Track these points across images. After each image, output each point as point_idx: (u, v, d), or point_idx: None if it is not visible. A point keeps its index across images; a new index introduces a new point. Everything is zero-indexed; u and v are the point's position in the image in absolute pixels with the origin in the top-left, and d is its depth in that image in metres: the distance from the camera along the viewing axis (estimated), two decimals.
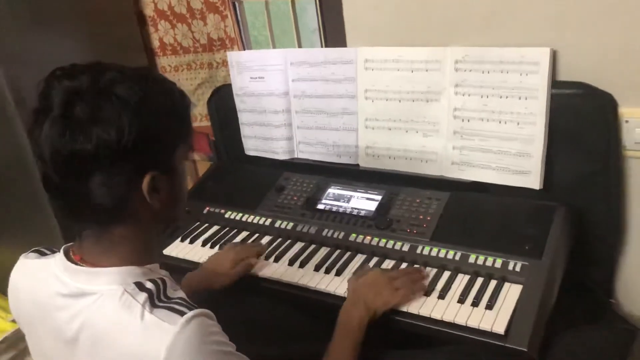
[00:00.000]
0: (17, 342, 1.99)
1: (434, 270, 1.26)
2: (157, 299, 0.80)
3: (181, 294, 0.84)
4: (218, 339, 0.80)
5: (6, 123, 1.67)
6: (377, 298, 1.15)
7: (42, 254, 0.95)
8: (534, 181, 1.33)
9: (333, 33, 1.62)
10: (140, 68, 0.85)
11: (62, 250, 0.90)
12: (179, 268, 1.44)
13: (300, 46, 1.83)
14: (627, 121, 1.25)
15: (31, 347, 0.97)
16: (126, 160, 0.78)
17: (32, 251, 0.96)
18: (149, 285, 0.82)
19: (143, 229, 0.86)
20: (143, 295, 0.80)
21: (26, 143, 1.67)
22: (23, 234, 1.97)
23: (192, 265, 1.41)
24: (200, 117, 2.04)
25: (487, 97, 1.35)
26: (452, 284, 1.21)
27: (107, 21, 1.90)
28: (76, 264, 0.86)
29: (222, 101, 1.79)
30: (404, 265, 1.30)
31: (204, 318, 0.79)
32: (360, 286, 1.19)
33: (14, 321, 1.98)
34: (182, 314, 0.77)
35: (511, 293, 1.16)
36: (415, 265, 1.28)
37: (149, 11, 1.96)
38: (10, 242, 2.05)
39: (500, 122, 1.35)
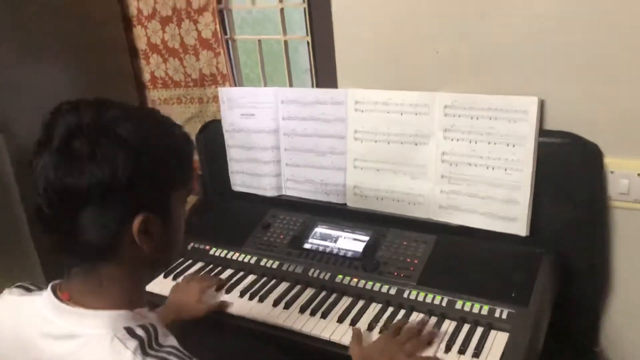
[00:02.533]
0: None
1: (421, 315, 1.25)
2: (148, 347, 0.78)
3: (172, 341, 0.82)
4: None
5: None
6: None
7: (28, 290, 0.92)
8: (520, 227, 1.34)
9: (324, 73, 1.64)
10: (146, 108, 0.86)
11: (49, 288, 0.87)
12: (161, 305, 1.41)
13: (291, 85, 1.85)
14: (612, 172, 1.27)
15: None
16: (118, 199, 0.77)
17: (17, 286, 0.93)
18: (139, 331, 0.80)
19: (132, 271, 0.84)
20: (134, 342, 0.78)
21: (10, 172, 1.65)
22: (2, 267, 1.93)
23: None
24: None
25: (476, 142, 1.37)
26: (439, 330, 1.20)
27: (99, 53, 1.91)
28: (64, 303, 0.84)
29: (211, 136, 1.79)
30: (390, 309, 1.29)
31: None
32: (370, 353, 1.13)
33: None
34: None
35: (497, 341, 1.15)
36: (420, 315, 1.26)
37: (141, 45, 1.97)
38: None
39: (488, 168, 1.36)
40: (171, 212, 0.85)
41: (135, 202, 0.78)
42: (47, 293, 0.86)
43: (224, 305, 1.37)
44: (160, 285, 1.49)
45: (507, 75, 1.33)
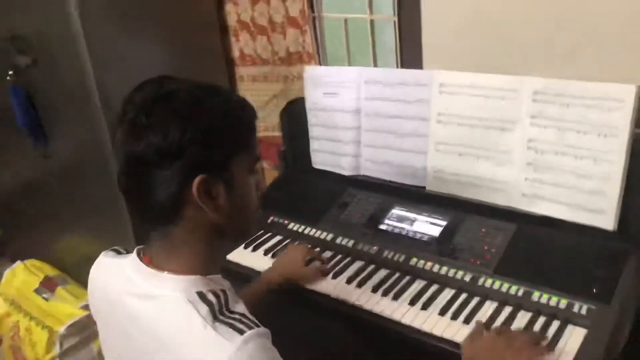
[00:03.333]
0: (83, 328, 2.09)
1: (495, 305, 1.23)
2: (218, 312, 0.82)
3: (242, 308, 0.86)
4: None
5: (92, 122, 1.77)
6: None
7: (119, 253, 1.01)
8: (608, 221, 1.28)
9: (410, 54, 1.63)
10: (207, 83, 0.91)
11: (135, 251, 0.95)
12: (241, 275, 1.48)
13: (375, 65, 1.84)
14: None
15: (101, 339, 1.03)
16: (174, 161, 0.83)
17: (111, 250, 1.03)
18: (210, 296, 0.85)
19: (202, 236, 0.89)
20: (204, 307, 0.82)
21: (108, 142, 1.76)
22: (99, 229, 2.08)
23: (253, 273, 1.44)
24: (272, 127, 2.09)
25: (565, 130, 1.31)
26: (512, 321, 1.18)
27: (190, 30, 1.98)
28: (146, 265, 0.91)
29: (294, 114, 1.82)
30: (463, 296, 1.28)
31: (262, 340, 0.80)
32: (478, 352, 1.09)
33: (83, 308, 2.09)
34: (241, 332, 0.79)
35: (574, 337, 1.11)
36: (494, 304, 1.22)
37: (231, 21, 2.02)
38: (87, 235, 2.17)
39: (576, 158, 1.30)
40: (234, 177, 0.89)
41: (191, 164, 0.83)
42: (133, 256, 0.94)
43: (323, 268, 1.42)
44: (240, 255, 1.55)
45: (604, 62, 1.26)
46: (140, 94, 0.86)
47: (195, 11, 1.99)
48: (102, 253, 1.02)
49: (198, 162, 0.84)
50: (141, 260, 0.92)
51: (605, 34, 1.23)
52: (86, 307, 2.07)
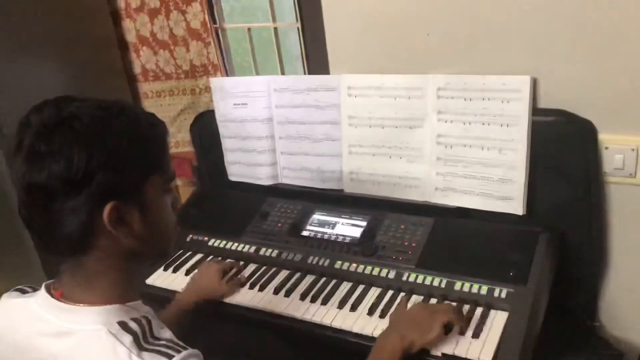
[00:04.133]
0: None
1: (421, 298, 1.26)
2: (143, 341, 0.78)
3: (167, 333, 0.82)
4: None
5: None
6: (414, 329, 1.10)
7: (24, 292, 0.93)
8: (517, 207, 1.35)
9: (316, 60, 1.63)
10: (111, 100, 0.84)
11: (43, 287, 0.88)
12: (162, 298, 1.42)
13: (283, 72, 1.84)
14: (606, 148, 1.27)
15: None
16: (81, 189, 0.77)
17: (14, 290, 0.94)
18: (133, 325, 0.80)
19: (117, 263, 0.84)
20: (128, 338, 0.78)
21: (5, 172, 1.64)
22: (4, 268, 1.93)
23: (175, 296, 1.39)
24: (182, 143, 2.03)
25: (470, 123, 1.37)
26: None
27: (88, 48, 1.89)
28: (58, 300, 0.84)
29: (205, 127, 1.78)
30: (389, 293, 1.30)
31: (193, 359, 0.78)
32: (399, 316, 1.17)
33: None
34: (170, 357, 0.76)
35: (497, 321, 1.16)
36: (420, 298, 1.27)
37: (131, 37, 1.96)
38: None
39: (482, 149, 1.36)
40: (148, 199, 0.84)
41: (100, 191, 0.78)
42: (42, 292, 0.87)
43: (242, 280, 1.41)
44: (161, 278, 1.49)
45: (499, 55, 1.32)
46: (37, 118, 0.78)
47: (92, 28, 1.90)
48: (4, 295, 0.94)
49: (107, 189, 0.78)
50: (52, 296, 0.85)
51: (501, 27, 1.29)
52: None
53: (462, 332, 1.13)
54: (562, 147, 1.29)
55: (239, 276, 1.43)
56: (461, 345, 1.11)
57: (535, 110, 1.30)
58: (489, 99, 1.33)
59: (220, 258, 1.53)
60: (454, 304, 1.21)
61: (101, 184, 0.77)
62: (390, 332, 1.13)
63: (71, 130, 0.77)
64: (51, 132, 0.77)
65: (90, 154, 0.76)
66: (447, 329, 1.12)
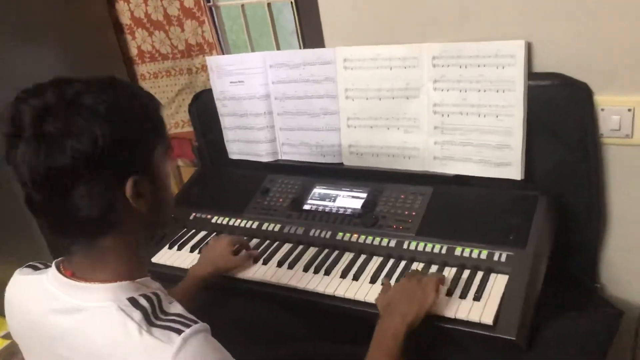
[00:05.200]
0: (8, 357, 1.98)
1: (422, 265, 1.28)
2: (152, 316, 0.80)
3: (176, 308, 0.84)
4: (217, 355, 0.79)
5: None
6: (412, 304, 1.09)
7: (36, 269, 0.94)
8: (515, 172, 1.35)
9: (311, 34, 1.63)
10: (103, 77, 0.84)
11: (53, 265, 0.89)
12: (168, 276, 1.44)
13: (278, 48, 1.84)
14: (602, 109, 1.27)
15: None
16: (105, 168, 0.78)
17: (26, 266, 0.96)
18: (142, 301, 0.81)
19: (130, 239, 0.86)
20: (138, 313, 0.79)
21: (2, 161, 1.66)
22: (10, 249, 1.96)
23: (182, 272, 1.41)
24: (182, 123, 2.04)
25: (466, 91, 1.37)
26: None
27: (83, 31, 1.90)
28: (68, 278, 0.86)
29: (203, 106, 1.79)
30: (391, 261, 1.31)
31: (202, 334, 0.79)
32: (391, 298, 1.14)
33: (5, 337, 1.98)
34: (179, 332, 0.77)
35: (498, 283, 1.18)
36: (421, 265, 1.28)
37: (125, 19, 1.95)
38: None
39: (479, 116, 1.37)
40: (156, 170, 0.86)
41: (121, 167, 0.79)
42: (52, 270, 0.88)
43: (252, 255, 1.41)
44: (166, 256, 1.51)
45: (493, 21, 1.32)
46: (38, 102, 0.77)
47: (86, 11, 1.90)
48: (17, 271, 0.95)
49: (127, 164, 0.80)
50: (62, 274, 0.87)
51: None
52: (8, 336, 1.96)
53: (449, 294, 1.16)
54: (559, 111, 1.29)
55: (251, 251, 1.44)
56: (462, 308, 1.13)
57: (530, 75, 1.30)
58: (484, 66, 1.33)
59: (223, 234, 1.55)
60: (454, 269, 1.23)
61: (122, 160, 0.79)
62: (388, 315, 1.10)
63: (86, 109, 0.77)
64: (63, 112, 0.76)
65: (112, 130, 0.77)
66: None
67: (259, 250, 1.44)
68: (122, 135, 0.78)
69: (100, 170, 0.77)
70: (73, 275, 0.86)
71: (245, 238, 1.49)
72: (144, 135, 0.83)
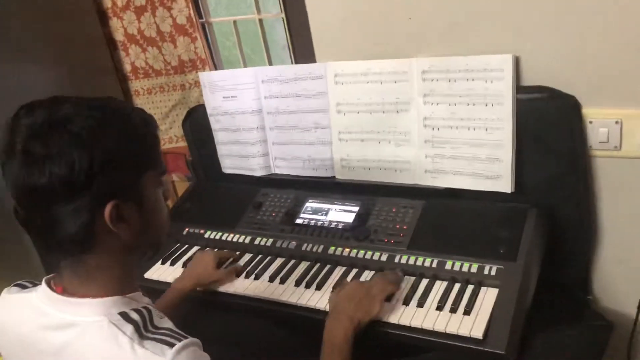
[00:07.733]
0: None
1: (412, 279, 1.28)
2: (144, 330, 0.80)
3: (167, 323, 0.84)
4: None
5: None
6: (358, 309, 1.15)
7: (24, 288, 0.94)
8: (505, 185, 1.36)
9: (302, 49, 1.65)
10: (100, 98, 0.85)
11: (43, 282, 0.89)
12: (161, 291, 1.43)
13: (271, 63, 1.85)
14: (591, 122, 1.28)
15: None
16: (82, 191, 0.78)
17: (14, 285, 0.96)
18: (134, 315, 0.82)
19: (117, 258, 0.86)
20: (129, 327, 0.80)
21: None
22: (3, 266, 1.95)
23: (171, 284, 1.41)
24: (176, 138, 2.05)
25: (455, 105, 1.38)
26: (430, 291, 1.23)
27: (77, 48, 1.91)
28: (59, 294, 0.86)
29: (197, 121, 1.80)
30: None
31: (193, 348, 0.79)
32: (340, 300, 1.19)
33: None
34: (171, 345, 0.77)
35: (488, 297, 1.18)
36: (412, 279, 1.28)
37: (119, 36, 1.97)
38: None
39: (469, 129, 1.38)
40: (145, 195, 0.86)
41: (101, 191, 0.79)
42: (42, 287, 0.88)
43: (237, 268, 1.43)
44: (159, 271, 1.52)
45: (481, 35, 1.33)
46: (29, 120, 0.78)
47: (80, 28, 1.92)
48: (4, 290, 0.95)
49: (108, 189, 0.80)
50: (53, 290, 0.87)
51: (481, 6, 1.30)
52: None
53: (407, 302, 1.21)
54: (548, 123, 1.30)
55: (234, 265, 1.44)
56: (453, 322, 1.13)
57: (519, 88, 1.30)
58: (472, 80, 1.34)
59: (216, 249, 1.55)
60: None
61: (102, 185, 0.79)
62: (336, 316, 1.15)
63: (68, 133, 0.77)
64: (47, 134, 0.77)
65: (90, 156, 0.77)
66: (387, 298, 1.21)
67: (251, 265, 1.44)
68: (103, 161, 0.78)
69: (78, 193, 0.78)
70: (64, 291, 0.86)
71: (237, 253, 1.50)
72: (129, 160, 0.83)
